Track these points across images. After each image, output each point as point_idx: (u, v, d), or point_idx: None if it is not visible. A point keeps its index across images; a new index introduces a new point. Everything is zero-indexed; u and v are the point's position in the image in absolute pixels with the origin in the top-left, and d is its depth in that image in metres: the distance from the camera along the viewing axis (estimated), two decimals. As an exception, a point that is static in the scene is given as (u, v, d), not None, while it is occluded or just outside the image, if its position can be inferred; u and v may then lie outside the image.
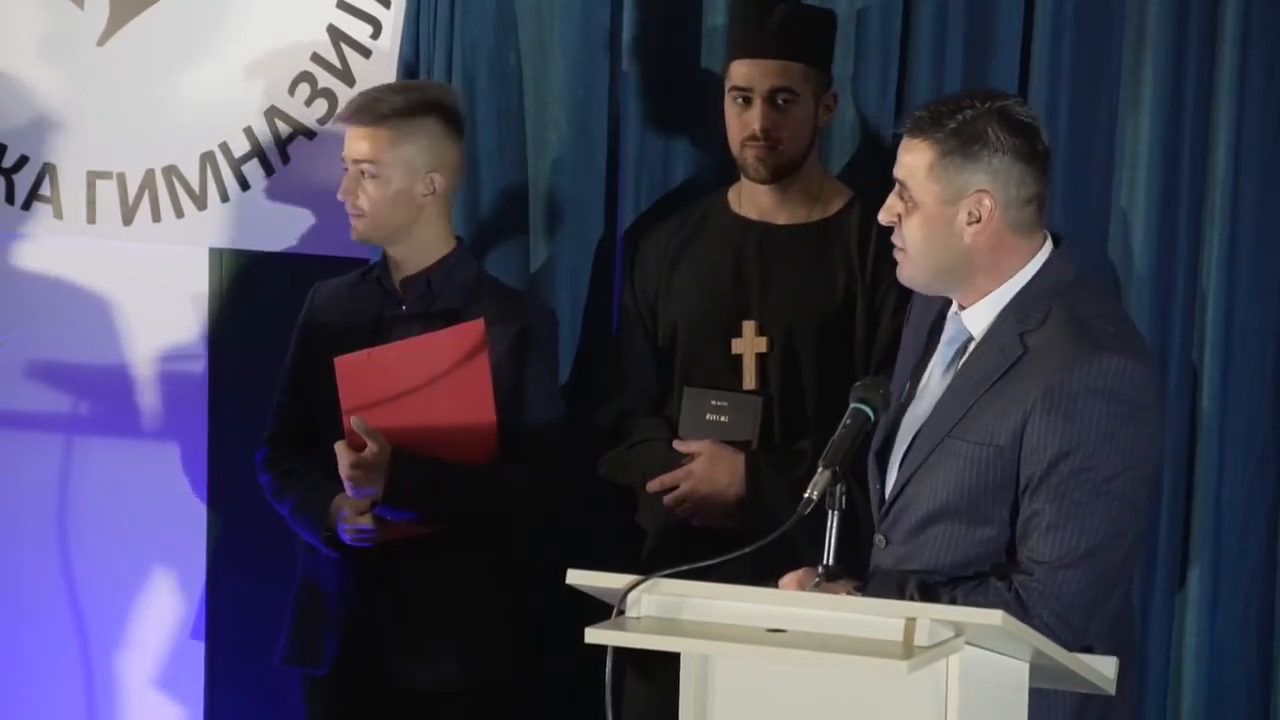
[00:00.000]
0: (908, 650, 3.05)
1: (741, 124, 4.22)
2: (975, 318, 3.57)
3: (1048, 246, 3.54)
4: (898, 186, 3.52)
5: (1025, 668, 3.24)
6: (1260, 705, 4.30)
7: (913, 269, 3.56)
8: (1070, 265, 3.58)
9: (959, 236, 3.51)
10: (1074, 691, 3.36)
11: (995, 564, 3.47)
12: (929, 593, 3.42)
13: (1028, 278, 3.54)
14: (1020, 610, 3.36)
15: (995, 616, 3.06)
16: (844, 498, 3.41)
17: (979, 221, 3.50)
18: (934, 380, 3.61)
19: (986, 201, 3.48)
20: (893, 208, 3.55)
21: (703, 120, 4.52)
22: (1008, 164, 3.48)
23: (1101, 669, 3.32)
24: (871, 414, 3.50)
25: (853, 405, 3.49)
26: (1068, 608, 3.39)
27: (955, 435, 3.51)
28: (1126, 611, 3.63)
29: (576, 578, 3.27)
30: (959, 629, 3.10)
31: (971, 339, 3.56)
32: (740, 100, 4.22)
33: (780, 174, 4.25)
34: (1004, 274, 3.55)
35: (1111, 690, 3.33)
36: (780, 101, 4.20)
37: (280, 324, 4.49)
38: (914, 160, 3.53)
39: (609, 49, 4.55)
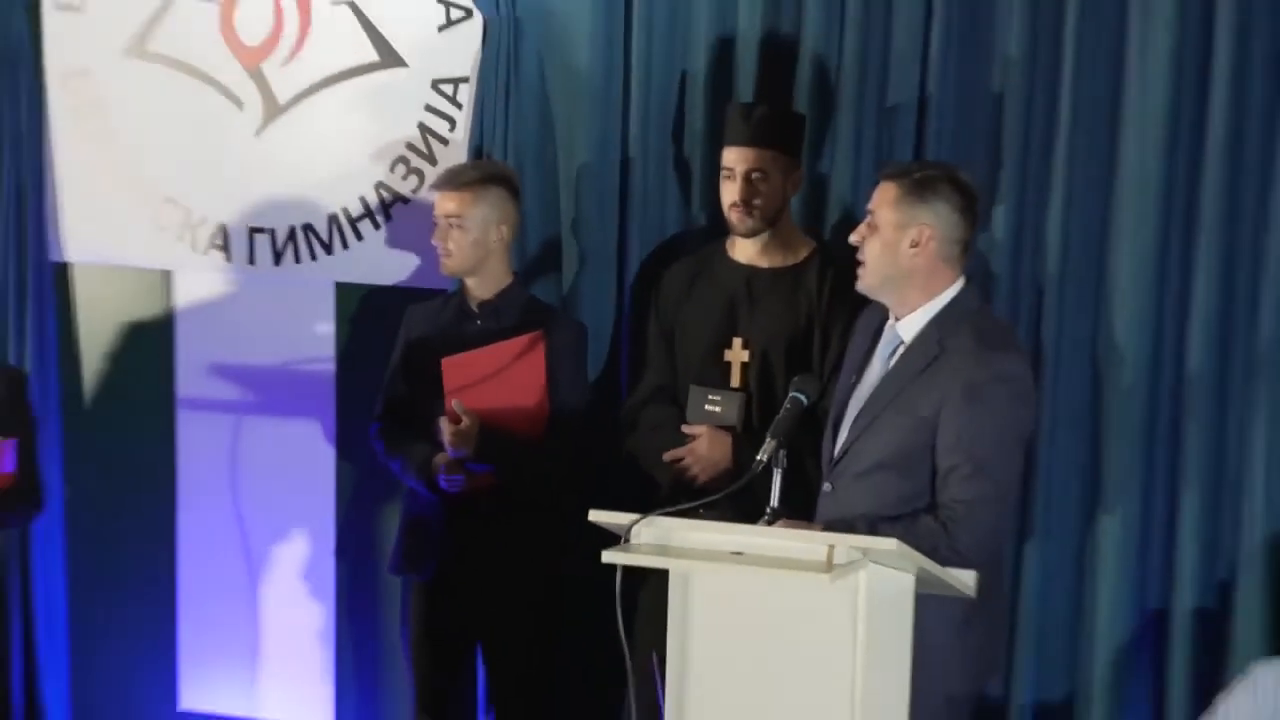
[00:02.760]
0: (829, 567, 3.32)
1: (727, 194, 4.51)
2: (907, 327, 3.84)
3: (962, 281, 3.85)
4: (869, 214, 3.80)
5: (912, 579, 3.54)
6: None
7: (868, 277, 3.80)
8: (975, 296, 3.86)
9: (904, 256, 3.76)
10: (963, 598, 3.62)
11: (916, 508, 3.74)
12: (875, 528, 3.63)
13: (948, 299, 3.82)
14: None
15: (891, 544, 3.35)
16: (785, 459, 3.69)
17: (918, 246, 3.75)
18: (874, 372, 3.90)
19: (927, 232, 3.74)
20: (861, 230, 3.79)
21: (690, 193, 4.90)
22: (947, 211, 3.77)
23: (965, 579, 3.64)
24: (805, 399, 3.82)
25: (792, 394, 3.85)
26: (984, 535, 3.71)
27: (891, 409, 3.79)
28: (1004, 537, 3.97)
29: (597, 516, 3.52)
30: (865, 552, 3.38)
31: (903, 343, 3.84)
32: (727, 176, 4.51)
33: (756, 231, 4.50)
34: (931, 292, 3.81)
35: (973, 594, 3.64)
36: (755, 178, 4.46)
37: (386, 336, 4.88)
38: (883, 195, 3.78)
39: (620, 145, 4.95)
